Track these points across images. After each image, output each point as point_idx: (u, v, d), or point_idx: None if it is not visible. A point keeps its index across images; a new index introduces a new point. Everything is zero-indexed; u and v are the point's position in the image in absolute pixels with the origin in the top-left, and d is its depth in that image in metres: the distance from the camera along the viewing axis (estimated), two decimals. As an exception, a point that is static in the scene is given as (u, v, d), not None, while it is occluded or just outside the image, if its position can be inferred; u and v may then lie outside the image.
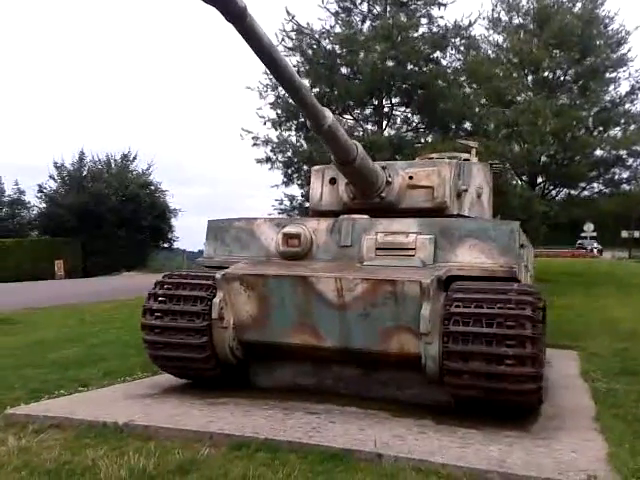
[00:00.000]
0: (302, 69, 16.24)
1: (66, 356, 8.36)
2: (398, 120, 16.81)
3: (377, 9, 17.27)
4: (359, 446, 3.90)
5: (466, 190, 6.18)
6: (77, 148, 39.33)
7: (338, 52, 16.38)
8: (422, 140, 16.10)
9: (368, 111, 16.68)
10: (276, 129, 17.13)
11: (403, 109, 16.72)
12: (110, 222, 31.08)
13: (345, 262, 5.25)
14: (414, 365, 4.74)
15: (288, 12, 15.51)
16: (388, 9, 16.92)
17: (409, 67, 15.87)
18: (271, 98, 16.95)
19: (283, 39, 16.34)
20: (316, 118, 4.76)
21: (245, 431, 4.14)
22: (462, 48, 16.60)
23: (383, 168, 6.02)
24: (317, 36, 15.75)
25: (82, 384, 6.35)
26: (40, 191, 32.05)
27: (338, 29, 16.50)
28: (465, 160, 6.96)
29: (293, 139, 17.49)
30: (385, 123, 16.88)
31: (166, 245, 36.20)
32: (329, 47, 15.96)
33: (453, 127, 16.22)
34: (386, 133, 16.62)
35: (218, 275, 5.16)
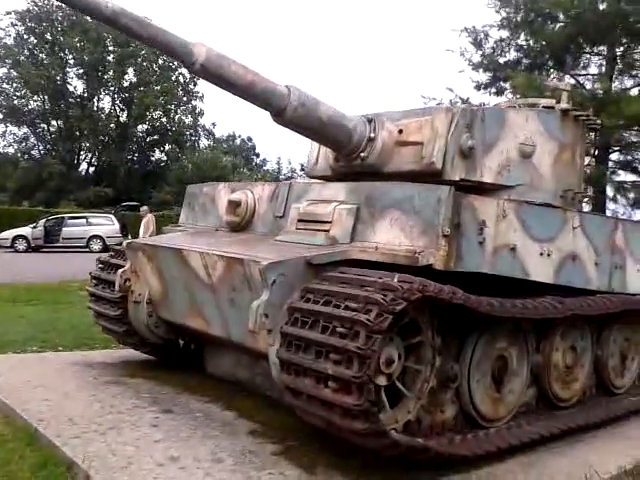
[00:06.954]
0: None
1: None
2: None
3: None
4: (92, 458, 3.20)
5: (472, 148, 4.44)
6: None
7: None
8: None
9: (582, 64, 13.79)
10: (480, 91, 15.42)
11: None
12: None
13: (264, 237, 4.31)
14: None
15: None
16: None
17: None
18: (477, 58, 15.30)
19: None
20: (178, 55, 3.75)
21: (31, 414, 3.77)
22: None
23: (369, 121, 4.72)
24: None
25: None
26: (302, 169, 34.94)
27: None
28: (546, 107, 5.12)
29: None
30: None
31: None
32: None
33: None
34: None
35: (124, 244, 4.71)
